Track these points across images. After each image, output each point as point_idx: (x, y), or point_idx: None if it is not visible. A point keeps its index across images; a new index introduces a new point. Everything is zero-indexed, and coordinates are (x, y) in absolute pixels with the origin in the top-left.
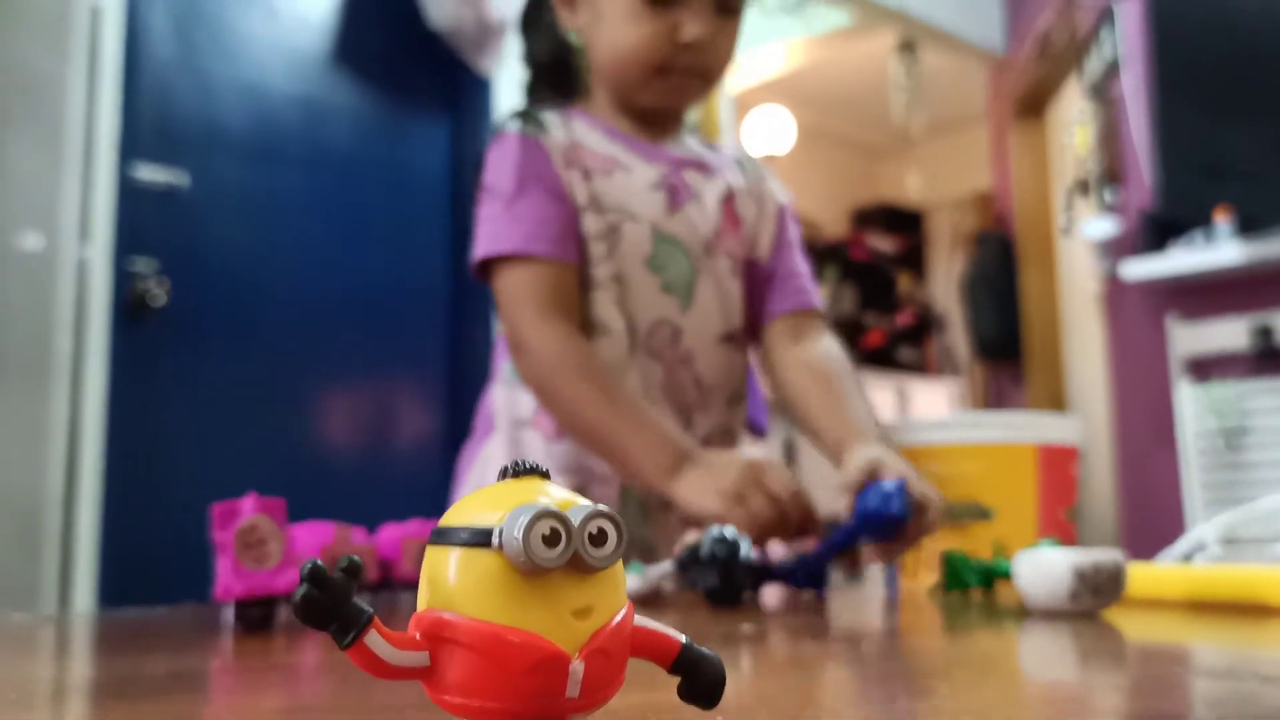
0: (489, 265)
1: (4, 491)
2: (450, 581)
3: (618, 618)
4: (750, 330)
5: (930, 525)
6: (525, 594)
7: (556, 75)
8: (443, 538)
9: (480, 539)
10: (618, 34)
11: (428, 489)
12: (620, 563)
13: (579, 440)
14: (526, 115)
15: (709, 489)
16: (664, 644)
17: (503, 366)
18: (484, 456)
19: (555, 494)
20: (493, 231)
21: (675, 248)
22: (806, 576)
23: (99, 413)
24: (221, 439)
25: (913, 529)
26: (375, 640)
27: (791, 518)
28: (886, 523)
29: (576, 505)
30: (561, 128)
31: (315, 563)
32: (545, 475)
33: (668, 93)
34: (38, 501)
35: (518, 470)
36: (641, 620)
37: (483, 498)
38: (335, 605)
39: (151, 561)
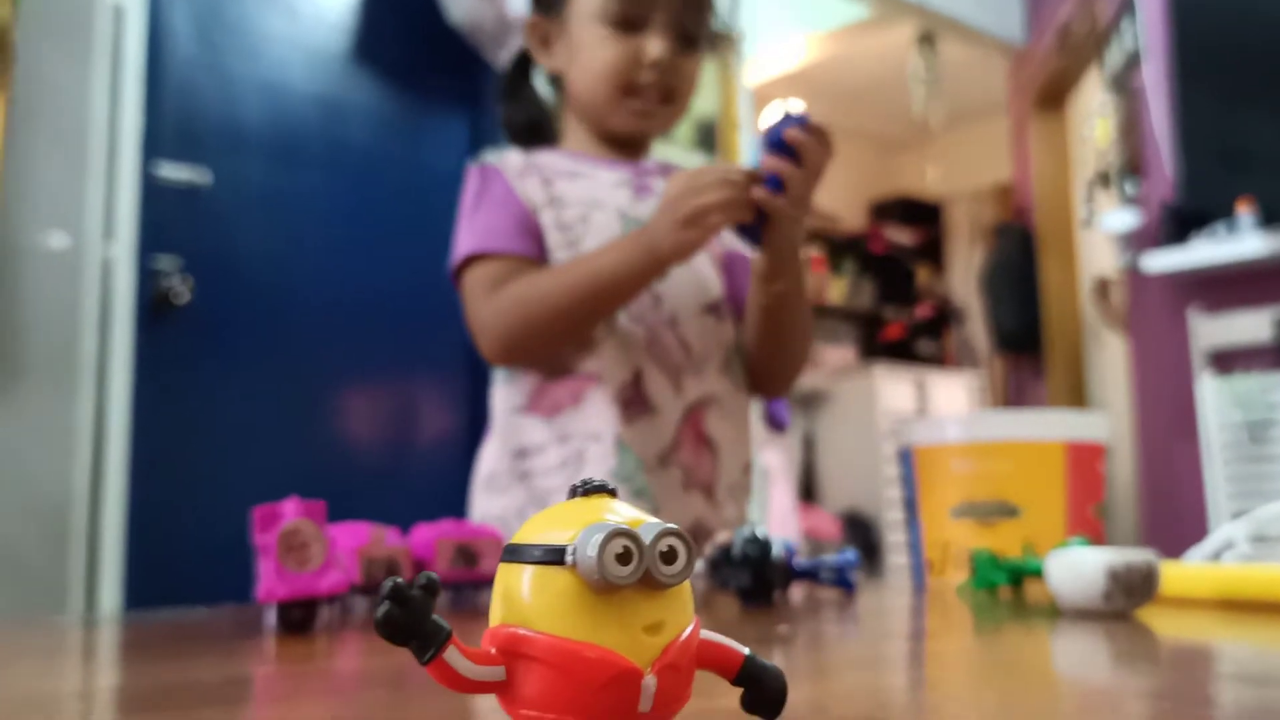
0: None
1: (31, 491)
2: (524, 598)
3: (686, 632)
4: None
5: (825, 138)
6: (598, 610)
7: (529, 136)
8: (516, 555)
9: (554, 557)
10: (592, 59)
11: (450, 486)
12: (689, 581)
13: (575, 321)
14: (485, 153)
15: (670, 230)
16: (728, 656)
17: (495, 369)
18: (481, 459)
19: (623, 512)
20: (456, 246)
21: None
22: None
23: (124, 410)
24: (245, 435)
25: (815, 138)
26: (454, 656)
27: (738, 193)
28: (792, 126)
29: (646, 523)
30: (520, 154)
31: (397, 581)
32: (613, 493)
33: (636, 115)
34: (65, 500)
35: (586, 489)
36: (706, 634)
37: (553, 516)
38: (416, 622)
39: (178, 559)
